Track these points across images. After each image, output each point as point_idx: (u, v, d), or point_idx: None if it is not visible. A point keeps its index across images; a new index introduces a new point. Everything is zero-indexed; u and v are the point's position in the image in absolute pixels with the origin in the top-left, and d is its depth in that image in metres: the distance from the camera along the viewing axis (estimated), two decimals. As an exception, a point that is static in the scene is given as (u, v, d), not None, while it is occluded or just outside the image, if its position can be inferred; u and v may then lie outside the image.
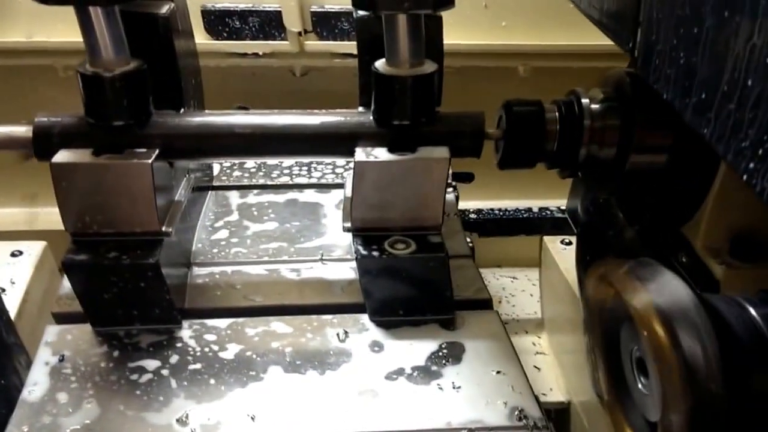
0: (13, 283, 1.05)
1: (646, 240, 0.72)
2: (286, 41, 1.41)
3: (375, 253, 0.74)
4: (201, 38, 1.39)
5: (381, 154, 0.74)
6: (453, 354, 0.73)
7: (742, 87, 0.40)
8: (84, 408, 0.67)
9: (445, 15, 0.79)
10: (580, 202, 0.86)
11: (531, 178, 0.81)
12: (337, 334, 0.76)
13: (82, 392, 0.68)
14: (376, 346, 0.74)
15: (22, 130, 0.75)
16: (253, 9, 1.39)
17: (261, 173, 1.04)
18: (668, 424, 0.44)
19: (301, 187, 1.01)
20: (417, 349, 0.74)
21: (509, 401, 0.67)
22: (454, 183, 1.03)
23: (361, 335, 0.76)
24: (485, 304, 0.79)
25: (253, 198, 0.99)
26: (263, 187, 1.01)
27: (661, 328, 0.42)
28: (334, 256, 0.87)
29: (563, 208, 0.93)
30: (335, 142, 0.77)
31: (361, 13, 0.84)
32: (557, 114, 0.75)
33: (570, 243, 1.12)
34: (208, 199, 0.99)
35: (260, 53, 1.42)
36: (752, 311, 0.44)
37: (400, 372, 0.71)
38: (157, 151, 0.73)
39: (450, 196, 0.99)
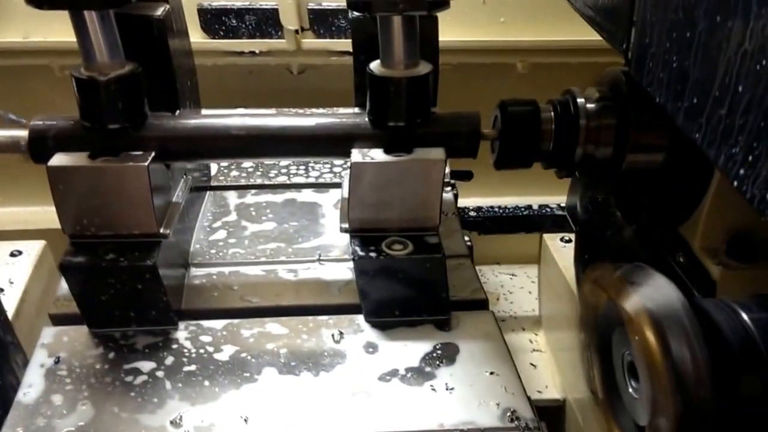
0: (12, 283, 1.05)
1: (644, 239, 0.72)
2: (283, 39, 1.41)
3: (372, 254, 0.74)
4: (197, 37, 1.39)
5: (377, 155, 0.74)
6: (447, 355, 0.73)
7: (733, 93, 0.40)
8: (78, 410, 0.67)
9: (443, 11, 0.79)
10: (579, 200, 0.86)
11: (531, 175, 0.81)
12: (332, 335, 0.76)
13: (77, 394, 0.69)
14: (371, 347, 0.75)
15: (18, 134, 0.75)
16: (250, 7, 1.39)
17: (258, 173, 1.05)
18: (656, 429, 0.44)
19: (299, 186, 1.01)
20: (411, 350, 0.74)
21: (502, 402, 0.68)
22: (453, 181, 1.03)
23: (356, 336, 0.76)
24: (481, 304, 0.79)
25: (251, 198, 0.99)
26: (261, 187, 1.01)
27: (651, 333, 0.42)
28: (331, 257, 0.87)
29: (563, 205, 0.94)
30: (331, 143, 0.77)
31: (356, 13, 0.84)
32: (553, 114, 0.75)
33: (569, 241, 1.12)
34: (206, 200, 0.99)
35: (257, 51, 1.42)
36: (744, 316, 0.44)
37: (393, 373, 0.71)
38: (153, 154, 0.73)
39: (448, 195, 0.99)
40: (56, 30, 1.35)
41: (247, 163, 1.07)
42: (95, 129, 0.74)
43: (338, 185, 1.01)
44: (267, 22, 1.40)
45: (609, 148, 0.73)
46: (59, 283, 0.81)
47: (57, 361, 0.73)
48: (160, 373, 0.71)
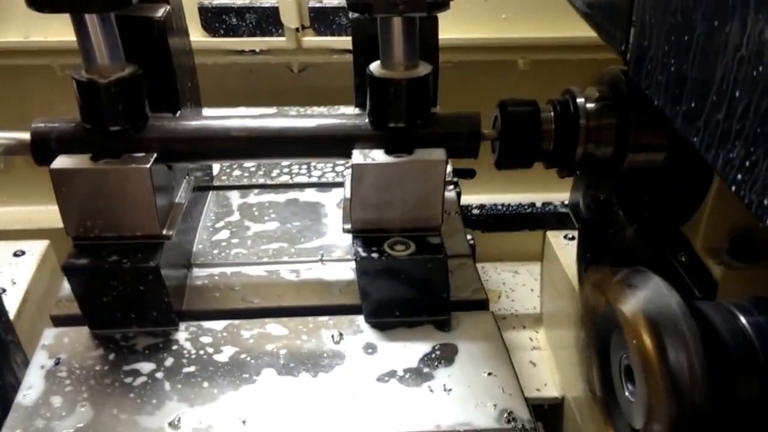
0: (14, 283, 1.06)
1: (646, 239, 0.72)
2: (284, 38, 1.41)
3: (374, 255, 0.74)
4: (198, 35, 1.39)
5: (378, 156, 0.74)
6: (445, 356, 0.73)
7: (730, 98, 0.40)
8: (78, 411, 0.67)
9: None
10: (582, 197, 0.86)
11: (534, 172, 0.80)
12: (332, 336, 0.76)
13: (76, 396, 0.69)
14: (370, 348, 0.75)
15: (20, 137, 0.75)
16: (250, 5, 1.39)
17: (261, 172, 1.05)
18: (651, 433, 0.45)
19: (301, 186, 1.02)
20: (410, 351, 0.74)
21: (499, 403, 0.68)
22: (455, 179, 1.02)
23: (356, 337, 0.76)
24: (481, 304, 0.79)
25: (254, 198, 0.99)
26: (264, 187, 1.02)
27: (648, 337, 0.42)
28: (334, 257, 0.87)
29: (566, 202, 0.94)
30: (332, 144, 0.77)
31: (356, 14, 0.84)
32: (552, 113, 0.75)
33: (573, 238, 1.12)
34: (209, 199, 0.99)
35: (257, 50, 1.42)
36: (742, 319, 0.45)
37: (392, 374, 0.71)
38: (155, 155, 0.73)
39: (451, 194, 0.99)
40: (56, 30, 1.35)
41: (249, 163, 1.07)
42: (96, 131, 0.74)
43: (340, 184, 1.01)
44: (267, 21, 1.40)
45: (609, 148, 0.73)
46: (62, 283, 0.81)
47: (57, 363, 0.73)
48: (159, 375, 0.71)
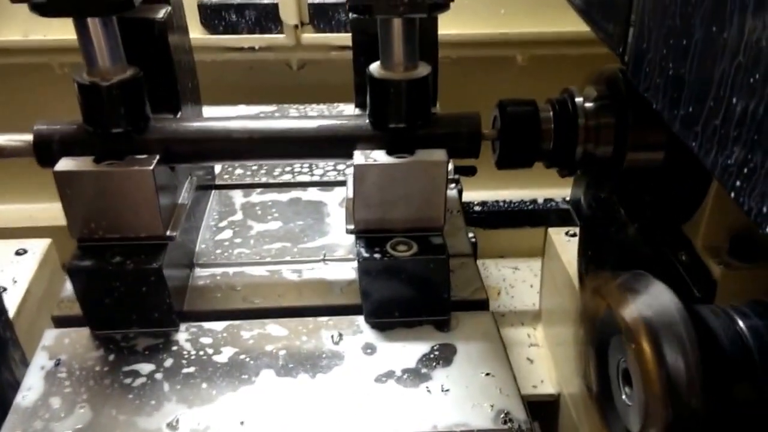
0: (16, 281, 1.05)
1: (648, 237, 0.72)
2: (283, 34, 1.41)
3: (376, 256, 0.74)
4: (197, 33, 1.39)
5: (380, 157, 0.74)
6: (444, 356, 0.73)
7: (728, 104, 0.41)
8: (76, 413, 0.67)
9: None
10: (583, 194, 0.86)
11: (535, 168, 0.80)
12: (332, 337, 0.76)
13: (75, 397, 0.69)
14: (369, 349, 0.75)
15: (23, 138, 0.75)
16: (250, 2, 1.39)
17: (263, 171, 1.05)
18: (647, 436, 0.45)
19: (304, 185, 1.02)
20: (409, 351, 0.74)
21: (496, 404, 0.68)
22: (457, 176, 1.02)
23: (355, 337, 0.76)
24: (482, 304, 0.80)
25: (256, 197, 1.00)
26: (266, 186, 1.02)
27: (647, 342, 0.43)
28: (336, 256, 0.88)
29: (568, 199, 0.94)
30: (332, 145, 0.77)
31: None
32: (551, 113, 0.75)
33: (574, 235, 1.12)
34: (212, 199, 1.00)
35: (256, 47, 1.42)
36: (740, 323, 0.45)
37: (390, 375, 0.71)
38: (157, 157, 0.74)
39: (452, 192, 0.99)
40: (55, 28, 1.35)
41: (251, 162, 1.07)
42: (98, 133, 0.74)
43: (343, 183, 1.01)
44: (267, 17, 1.40)
45: (609, 147, 0.73)
46: (64, 283, 0.81)
47: (57, 364, 0.73)
48: (158, 376, 0.71)
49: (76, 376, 0.72)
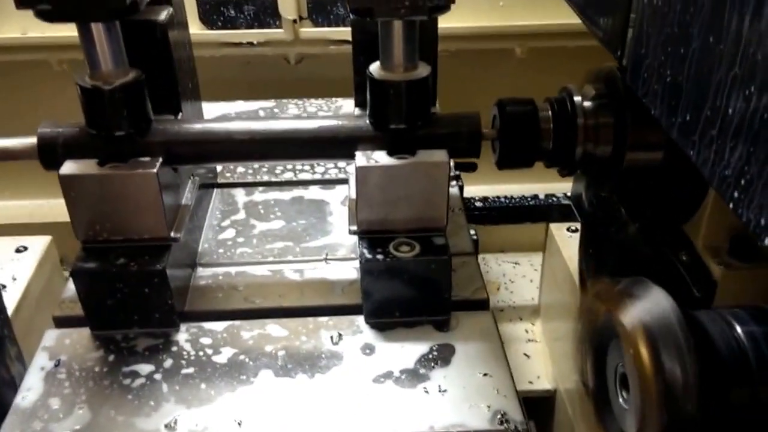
0: (15, 279, 1.05)
1: (648, 237, 0.72)
2: (281, 29, 1.41)
3: (379, 257, 0.74)
4: (195, 28, 1.39)
5: (381, 158, 0.74)
6: (442, 356, 0.74)
7: (724, 115, 0.41)
8: (75, 413, 0.68)
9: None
10: (584, 189, 0.87)
11: (537, 163, 0.81)
12: (331, 337, 0.76)
13: (74, 397, 0.69)
14: (368, 349, 0.75)
15: (27, 141, 0.76)
16: (248, -3, 1.39)
17: (265, 169, 1.05)
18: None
19: (306, 183, 1.02)
20: (408, 352, 0.74)
21: (493, 404, 0.68)
22: (457, 173, 1.02)
23: (355, 338, 0.76)
24: (482, 304, 0.80)
25: (259, 196, 1.00)
26: (268, 184, 1.02)
27: (645, 348, 0.44)
28: (338, 256, 0.88)
29: (569, 194, 0.94)
30: (333, 146, 0.78)
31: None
32: (550, 112, 0.76)
33: (576, 230, 1.12)
34: (215, 198, 1.00)
35: (255, 42, 1.42)
36: (737, 329, 0.46)
37: (388, 375, 0.72)
38: (160, 159, 0.74)
39: (454, 189, 0.99)
40: (54, 26, 1.34)
41: (253, 161, 1.07)
42: (101, 136, 0.75)
43: (344, 181, 1.01)
44: (265, 12, 1.40)
45: (608, 147, 0.73)
46: (65, 284, 0.81)
47: (57, 364, 0.73)
48: (158, 376, 0.72)
49: (76, 376, 0.72)
